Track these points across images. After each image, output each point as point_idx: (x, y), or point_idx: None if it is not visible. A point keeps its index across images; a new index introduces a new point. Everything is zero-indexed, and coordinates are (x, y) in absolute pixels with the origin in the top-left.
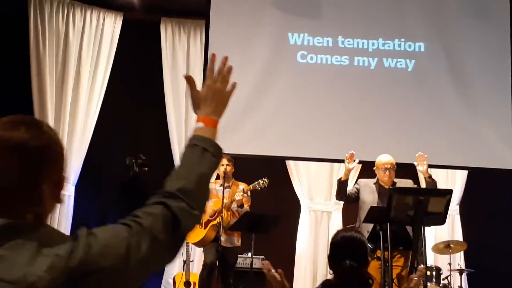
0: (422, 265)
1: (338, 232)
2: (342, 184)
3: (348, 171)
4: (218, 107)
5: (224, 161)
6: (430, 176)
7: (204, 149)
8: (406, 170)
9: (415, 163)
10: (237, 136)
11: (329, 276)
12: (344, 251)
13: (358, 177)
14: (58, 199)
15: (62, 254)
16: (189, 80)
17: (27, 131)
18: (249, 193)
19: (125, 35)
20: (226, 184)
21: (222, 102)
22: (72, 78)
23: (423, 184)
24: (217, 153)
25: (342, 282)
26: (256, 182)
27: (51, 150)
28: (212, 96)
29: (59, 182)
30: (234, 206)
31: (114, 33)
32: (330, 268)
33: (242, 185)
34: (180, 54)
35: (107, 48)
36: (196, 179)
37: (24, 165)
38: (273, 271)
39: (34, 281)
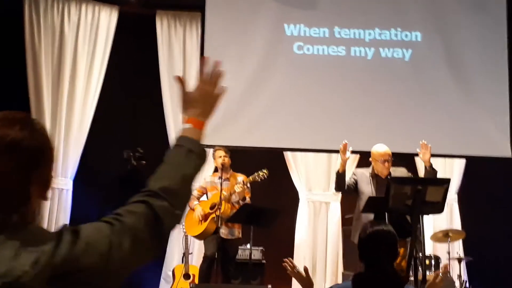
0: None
1: (366, 226)
2: (340, 176)
3: (344, 162)
4: (207, 109)
5: (221, 153)
6: (431, 166)
7: (190, 150)
8: (402, 159)
9: (418, 150)
10: (234, 128)
11: (329, 266)
12: (374, 246)
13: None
14: (44, 197)
15: (46, 250)
16: (180, 81)
17: (21, 129)
18: (248, 185)
19: (120, 29)
20: (224, 176)
21: (211, 105)
22: (68, 73)
23: (421, 173)
24: (202, 155)
25: (375, 276)
26: (255, 174)
27: (43, 152)
28: (202, 98)
29: (47, 183)
30: (234, 198)
31: (110, 27)
32: (361, 259)
33: (240, 177)
34: (176, 46)
35: (103, 42)
36: (180, 180)
37: (16, 166)
38: (297, 268)
39: (19, 275)
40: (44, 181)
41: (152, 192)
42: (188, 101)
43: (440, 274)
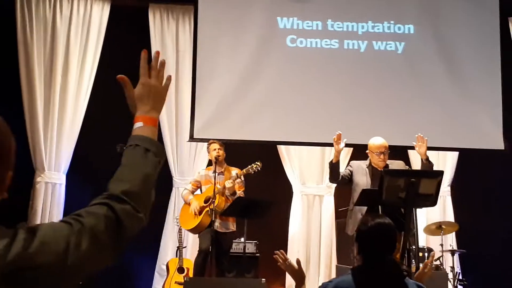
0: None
1: (366, 218)
2: (333, 166)
3: (338, 153)
4: (156, 104)
5: (216, 146)
6: (427, 159)
7: (146, 149)
8: (396, 152)
9: (414, 143)
10: (228, 121)
11: (322, 259)
12: (375, 238)
13: (350, 160)
14: (1, 194)
15: None
16: (123, 80)
17: None
18: (242, 178)
19: (113, 22)
20: (218, 170)
21: (159, 99)
22: (61, 66)
23: (414, 166)
24: (159, 152)
25: (377, 268)
26: (249, 166)
27: (1, 145)
28: (148, 93)
29: (4, 179)
30: (227, 192)
31: (102, 20)
32: (357, 253)
33: (235, 170)
34: (169, 40)
35: (95, 36)
36: (140, 181)
37: None
38: (289, 260)
39: None
40: (1, 177)
41: (114, 195)
42: (135, 99)
43: (429, 264)
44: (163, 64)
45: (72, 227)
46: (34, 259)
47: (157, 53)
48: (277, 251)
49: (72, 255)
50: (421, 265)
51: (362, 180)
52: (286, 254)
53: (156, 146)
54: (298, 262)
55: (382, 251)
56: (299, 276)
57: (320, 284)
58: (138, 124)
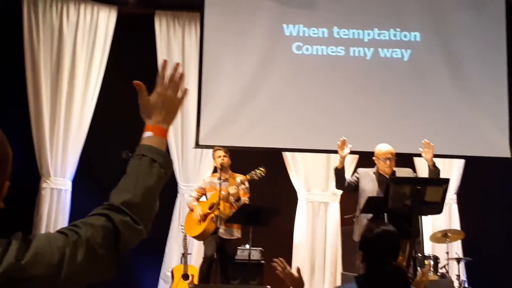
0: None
1: (371, 226)
2: (338, 172)
3: (342, 159)
4: (168, 115)
5: (221, 153)
6: (434, 165)
7: (152, 160)
8: (402, 160)
9: (420, 150)
10: (233, 128)
11: (328, 267)
12: (381, 246)
13: (356, 168)
14: None
15: None
16: (139, 86)
17: None
18: (247, 184)
19: (119, 29)
20: (223, 177)
21: (173, 110)
22: (67, 73)
23: (420, 174)
24: (166, 164)
25: (379, 276)
26: (252, 172)
27: None
28: (162, 104)
29: (0, 190)
30: (232, 198)
31: (109, 27)
32: (361, 261)
33: (239, 177)
34: (175, 47)
35: (101, 42)
36: (142, 192)
37: None
38: (288, 268)
39: None
40: None
41: (114, 206)
42: (148, 107)
43: (425, 272)
44: (182, 77)
45: (68, 238)
46: (27, 270)
47: (177, 64)
48: (276, 259)
49: (67, 267)
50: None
51: (369, 187)
52: (291, 261)
53: (163, 157)
54: (298, 270)
55: (387, 258)
56: (298, 284)
57: None
58: (147, 134)
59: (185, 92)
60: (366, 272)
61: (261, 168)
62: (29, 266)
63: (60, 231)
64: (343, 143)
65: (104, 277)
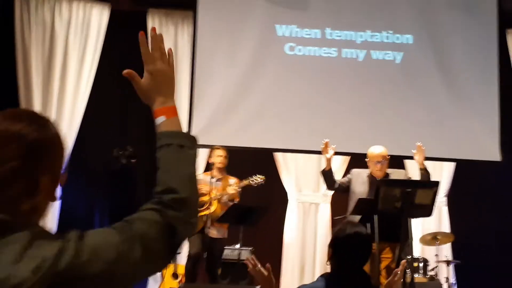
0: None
1: (344, 226)
2: (326, 174)
3: (328, 160)
4: (168, 89)
5: (221, 152)
6: (425, 168)
7: (180, 145)
8: (393, 162)
9: (413, 151)
10: (224, 128)
11: (317, 267)
12: (351, 247)
13: (347, 169)
14: (52, 196)
15: (49, 256)
16: (130, 74)
17: (30, 123)
18: (240, 189)
19: (112, 26)
20: (217, 177)
21: (169, 82)
22: (59, 70)
23: (413, 176)
24: (193, 144)
25: (344, 275)
26: (250, 178)
27: (51, 143)
28: (157, 80)
29: (55, 179)
30: (225, 199)
31: (101, 24)
32: (329, 259)
33: (233, 180)
34: (167, 45)
35: (94, 40)
36: (187, 184)
37: (23, 154)
38: (259, 266)
39: (18, 282)
40: (52, 176)
41: (164, 203)
42: (146, 90)
43: (398, 272)
44: (161, 37)
45: (122, 234)
46: (85, 268)
47: (153, 29)
48: (248, 256)
49: (123, 263)
50: (416, 275)
51: (360, 189)
52: (281, 261)
53: (187, 138)
54: (268, 269)
55: (354, 261)
56: (268, 283)
57: None
58: (160, 119)
59: (170, 54)
60: (331, 272)
61: (260, 176)
62: (87, 265)
63: (114, 227)
64: (326, 145)
65: (156, 271)
